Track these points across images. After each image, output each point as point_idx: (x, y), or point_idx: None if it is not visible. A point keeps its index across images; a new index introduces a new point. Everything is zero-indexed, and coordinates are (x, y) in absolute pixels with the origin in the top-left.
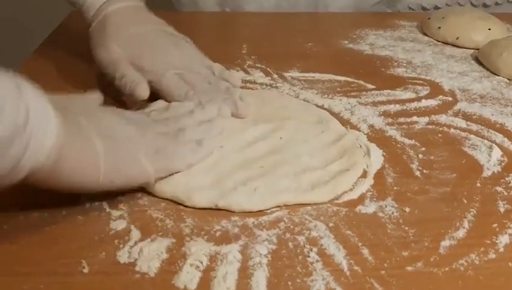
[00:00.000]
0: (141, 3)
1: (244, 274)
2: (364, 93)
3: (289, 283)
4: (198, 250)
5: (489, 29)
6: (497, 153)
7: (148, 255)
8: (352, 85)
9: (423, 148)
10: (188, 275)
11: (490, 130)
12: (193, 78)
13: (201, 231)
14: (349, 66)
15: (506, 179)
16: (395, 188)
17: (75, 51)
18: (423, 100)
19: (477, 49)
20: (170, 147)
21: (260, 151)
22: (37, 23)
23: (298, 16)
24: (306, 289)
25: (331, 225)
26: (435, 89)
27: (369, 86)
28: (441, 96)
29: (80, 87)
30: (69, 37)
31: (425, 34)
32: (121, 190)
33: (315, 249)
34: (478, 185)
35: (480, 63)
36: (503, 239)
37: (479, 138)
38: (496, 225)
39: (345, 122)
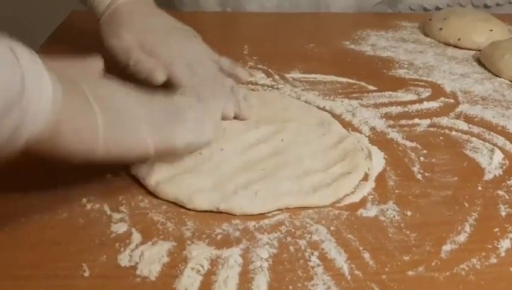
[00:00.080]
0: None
1: (245, 278)
2: (365, 95)
3: (290, 288)
4: (199, 254)
5: (491, 30)
6: (498, 156)
7: (149, 258)
8: (354, 86)
9: (424, 151)
10: (189, 279)
11: (492, 133)
12: (201, 71)
13: (202, 235)
14: (351, 67)
15: (508, 182)
16: (397, 191)
17: (77, 49)
18: (425, 102)
19: (479, 50)
20: (170, 123)
21: (262, 154)
22: (37, 23)
23: (300, 16)
24: None
25: (332, 228)
26: (437, 91)
27: (371, 87)
28: (442, 98)
29: None
30: (70, 36)
31: (426, 35)
32: (120, 162)
33: (316, 253)
34: (479, 188)
35: (481, 65)
36: (505, 244)
37: (481, 141)
38: (497, 229)
39: (347, 125)
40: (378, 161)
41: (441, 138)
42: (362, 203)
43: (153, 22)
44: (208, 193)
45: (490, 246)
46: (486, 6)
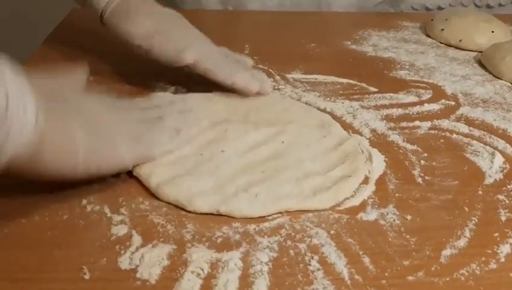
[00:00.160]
0: None
1: (245, 282)
2: (366, 96)
3: None
4: (200, 257)
5: (493, 31)
6: (499, 160)
7: (149, 261)
8: (355, 88)
9: (425, 154)
10: (189, 283)
11: (492, 136)
12: (216, 51)
13: (203, 238)
14: (352, 68)
15: (508, 186)
16: (397, 195)
17: (78, 47)
18: (426, 104)
19: (481, 51)
20: (148, 134)
21: (262, 156)
22: (38, 21)
23: (301, 15)
24: None
25: (332, 232)
26: (438, 93)
27: (372, 88)
28: (443, 100)
29: (89, 81)
30: (71, 33)
31: (428, 36)
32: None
33: (316, 257)
34: (480, 192)
35: (483, 66)
36: (504, 249)
37: (481, 144)
38: (497, 234)
39: (347, 126)
40: (378, 163)
41: (442, 140)
42: (362, 206)
43: (165, 11)
44: (208, 195)
45: (490, 251)
46: (488, 6)
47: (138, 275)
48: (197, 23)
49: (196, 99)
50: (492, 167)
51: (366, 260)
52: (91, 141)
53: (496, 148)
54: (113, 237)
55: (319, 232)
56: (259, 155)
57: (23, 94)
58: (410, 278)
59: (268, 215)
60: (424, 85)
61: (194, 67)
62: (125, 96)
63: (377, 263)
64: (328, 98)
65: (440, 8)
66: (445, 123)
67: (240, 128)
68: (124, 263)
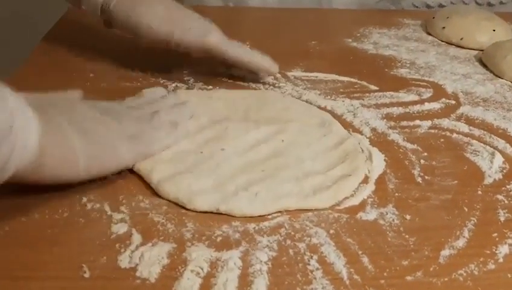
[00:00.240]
0: None
1: (244, 282)
2: (367, 94)
3: None
4: (199, 256)
5: (494, 30)
6: (499, 160)
7: (149, 260)
8: (356, 86)
9: (425, 154)
10: (189, 282)
11: (492, 136)
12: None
13: (202, 236)
14: (353, 65)
15: (507, 187)
16: (396, 194)
17: (78, 43)
18: (426, 103)
19: (482, 50)
20: (146, 132)
21: (262, 154)
22: (36, 19)
23: (302, 11)
24: None
25: (331, 231)
26: (438, 92)
27: (372, 87)
28: (444, 99)
29: (89, 78)
30: (70, 31)
31: (429, 34)
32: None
33: (315, 257)
34: (479, 192)
35: (484, 65)
36: (503, 249)
37: (481, 144)
38: (496, 234)
39: (348, 125)
40: (378, 163)
41: (442, 140)
42: (362, 206)
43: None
44: (208, 194)
45: (488, 252)
46: (489, 4)
47: (138, 274)
48: None
49: (196, 96)
50: (492, 167)
51: (365, 259)
52: (90, 149)
53: (495, 148)
54: (113, 236)
55: (318, 232)
56: (260, 154)
57: (26, 113)
58: (408, 278)
59: (268, 215)
60: (425, 84)
61: (214, 50)
62: (124, 93)
63: (376, 262)
64: (329, 97)
65: (441, 6)
66: (445, 122)
67: (240, 126)
68: (124, 261)
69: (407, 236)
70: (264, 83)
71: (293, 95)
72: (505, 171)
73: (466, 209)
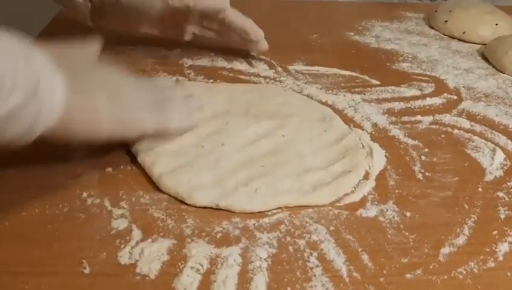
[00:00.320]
0: None
1: (244, 278)
2: (368, 89)
3: (288, 289)
4: (199, 252)
5: (497, 24)
6: (500, 156)
7: (149, 256)
8: (357, 80)
9: (426, 150)
10: (188, 278)
11: (494, 132)
12: None
13: (202, 232)
14: (355, 59)
15: (508, 184)
16: (397, 191)
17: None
18: (427, 98)
19: (484, 44)
20: (163, 107)
21: (262, 150)
22: (30, 17)
23: (303, 4)
24: None
25: (331, 228)
26: (440, 87)
27: (374, 81)
28: (445, 94)
29: None
30: (66, 26)
31: (431, 27)
32: (123, 140)
33: (315, 254)
34: (480, 189)
35: (486, 59)
36: (503, 247)
37: (483, 140)
38: (496, 231)
39: (349, 120)
40: (379, 159)
41: (443, 136)
42: (362, 202)
43: None
44: (208, 189)
45: (488, 250)
46: None
47: (138, 270)
48: None
49: (197, 87)
50: (493, 164)
51: (365, 257)
52: (115, 111)
53: (497, 144)
54: (113, 231)
55: (318, 229)
56: (260, 149)
57: (51, 70)
58: (408, 276)
59: (268, 211)
60: (427, 78)
61: (226, 15)
62: None
63: (375, 260)
64: (330, 91)
65: None
66: (446, 118)
67: (241, 121)
68: (124, 257)
69: (407, 233)
70: (265, 77)
71: (294, 89)
72: (506, 168)
73: (466, 207)
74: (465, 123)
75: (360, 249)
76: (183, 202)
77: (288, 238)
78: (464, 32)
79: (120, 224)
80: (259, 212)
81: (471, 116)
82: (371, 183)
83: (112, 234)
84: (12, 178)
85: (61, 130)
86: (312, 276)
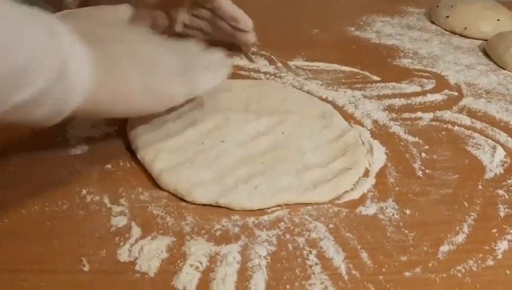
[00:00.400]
0: None
1: (243, 276)
2: (369, 85)
3: (287, 287)
4: (198, 250)
5: (498, 20)
6: (500, 153)
7: (148, 254)
8: (358, 76)
9: (426, 147)
10: (188, 276)
11: (494, 129)
12: None
13: (202, 230)
14: (355, 55)
15: (508, 181)
16: (397, 188)
17: None
18: (428, 94)
19: (486, 40)
20: (196, 69)
21: (262, 147)
22: None
23: None
24: None
25: (331, 226)
26: (441, 83)
27: (375, 77)
28: (446, 90)
29: None
30: None
31: (433, 23)
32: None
33: (314, 252)
34: (480, 187)
35: (487, 55)
36: (502, 245)
37: (483, 137)
38: (495, 229)
39: (349, 117)
40: (379, 156)
41: (443, 133)
42: (362, 200)
43: None
44: (208, 186)
45: (487, 248)
46: None
47: (137, 268)
48: None
49: None
50: (493, 161)
51: (364, 255)
52: (146, 85)
53: (497, 141)
54: (113, 229)
55: (317, 226)
56: (260, 146)
57: (80, 48)
58: (407, 274)
59: (268, 208)
60: (428, 74)
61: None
62: None
63: (374, 258)
64: (330, 87)
65: None
66: (447, 114)
67: (240, 117)
68: (123, 255)
69: (406, 231)
70: (265, 73)
71: (294, 86)
72: (506, 165)
73: (466, 204)
74: (466, 120)
75: (359, 247)
76: (182, 199)
77: (288, 236)
78: (465, 28)
79: (119, 221)
80: (259, 209)
81: (471, 113)
82: (370, 181)
83: (111, 232)
84: (12, 175)
85: (90, 108)
86: (311, 274)
